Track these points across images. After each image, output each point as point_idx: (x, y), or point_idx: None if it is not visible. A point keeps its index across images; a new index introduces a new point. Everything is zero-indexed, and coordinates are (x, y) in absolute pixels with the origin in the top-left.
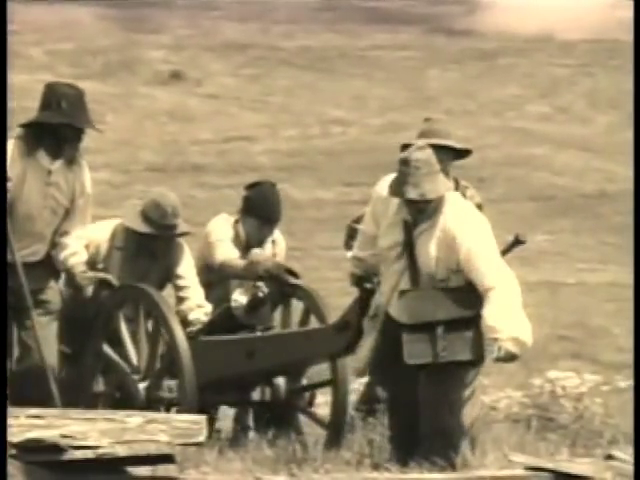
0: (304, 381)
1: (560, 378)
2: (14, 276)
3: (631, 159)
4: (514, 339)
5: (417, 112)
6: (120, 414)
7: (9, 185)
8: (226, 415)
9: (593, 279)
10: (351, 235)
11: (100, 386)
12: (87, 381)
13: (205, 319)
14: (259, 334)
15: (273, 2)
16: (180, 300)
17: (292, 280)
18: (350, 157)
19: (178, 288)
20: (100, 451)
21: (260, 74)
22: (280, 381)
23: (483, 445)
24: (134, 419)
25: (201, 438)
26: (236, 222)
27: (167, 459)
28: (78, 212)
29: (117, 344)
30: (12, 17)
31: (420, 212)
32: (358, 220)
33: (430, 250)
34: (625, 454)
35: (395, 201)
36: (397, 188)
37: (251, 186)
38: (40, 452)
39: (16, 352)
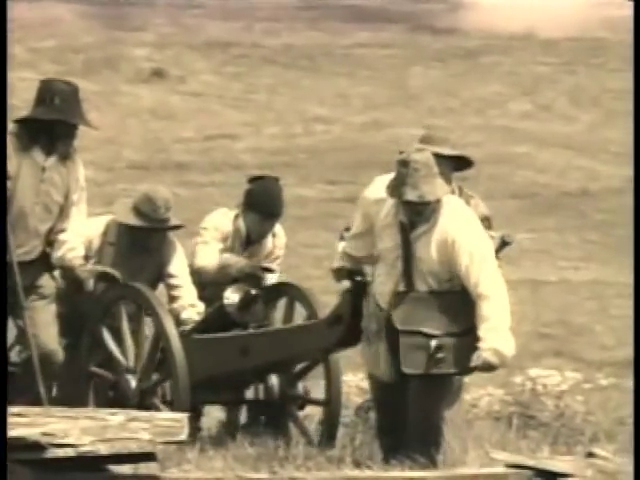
0: (299, 385)
1: (541, 376)
2: (10, 274)
3: (631, 159)
4: (495, 350)
5: (400, 110)
6: (102, 412)
7: (9, 183)
8: (207, 412)
9: (575, 277)
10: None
11: (91, 404)
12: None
13: (197, 318)
14: (252, 331)
15: (256, 0)
16: (172, 299)
17: (271, 277)
18: (333, 155)
19: (170, 287)
20: (81, 449)
21: (243, 72)
22: (274, 380)
23: (464, 443)
24: (116, 417)
25: (183, 436)
26: (236, 217)
27: (149, 457)
28: (73, 208)
29: (105, 352)
30: None
31: (417, 214)
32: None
33: (428, 253)
34: (606, 452)
35: (390, 203)
36: (395, 189)
37: (253, 180)
38: (21, 450)
39: (17, 345)
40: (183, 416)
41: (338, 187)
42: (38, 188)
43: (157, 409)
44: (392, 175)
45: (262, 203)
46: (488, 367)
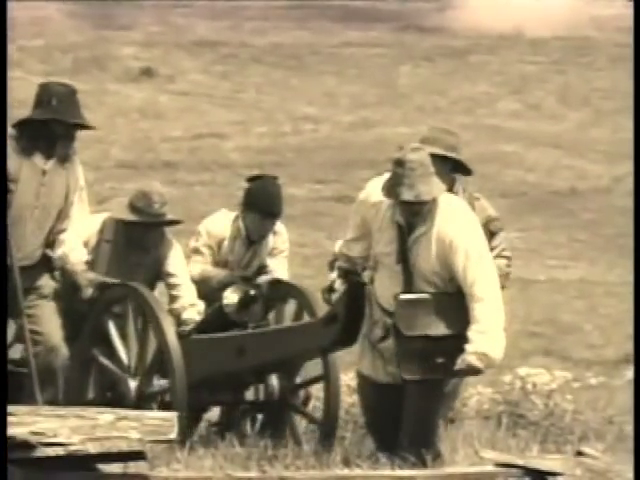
0: (298, 380)
1: (531, 375)
2: (10, 277)
3: (631, 160)
4: (481, 354)
5: (388, 109)
6: (91, 411)
7: (9, 186)
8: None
9: (564, 276)
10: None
11: (91, 394)
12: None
13: (198, 318)
14: (257, 330)
15: None
16: (173, 299)
17: (261, 282)
18: (321, 154)
19: (170, 286)
20: (71, 448)
21: (231, 71)
22: (274, 380)
23: (454, 442)
24: (105, 416)
25: (172, 435)
26: (236, 217)
27: (138, 456)
28: (73, 208)
29: (108, 343)
30: None
31: (414, 214)
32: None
33: (428, 254)
34: (595, 450)
35: (387, 205)
36: (391, 189)
37: (252, 179)
38: (10, 449)
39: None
40: (172, 415)
41: (326, 186)
42: (38, 191)
43: (156, 403)
44: (386, 176)
45: (261, 202)
46: (473, 371)
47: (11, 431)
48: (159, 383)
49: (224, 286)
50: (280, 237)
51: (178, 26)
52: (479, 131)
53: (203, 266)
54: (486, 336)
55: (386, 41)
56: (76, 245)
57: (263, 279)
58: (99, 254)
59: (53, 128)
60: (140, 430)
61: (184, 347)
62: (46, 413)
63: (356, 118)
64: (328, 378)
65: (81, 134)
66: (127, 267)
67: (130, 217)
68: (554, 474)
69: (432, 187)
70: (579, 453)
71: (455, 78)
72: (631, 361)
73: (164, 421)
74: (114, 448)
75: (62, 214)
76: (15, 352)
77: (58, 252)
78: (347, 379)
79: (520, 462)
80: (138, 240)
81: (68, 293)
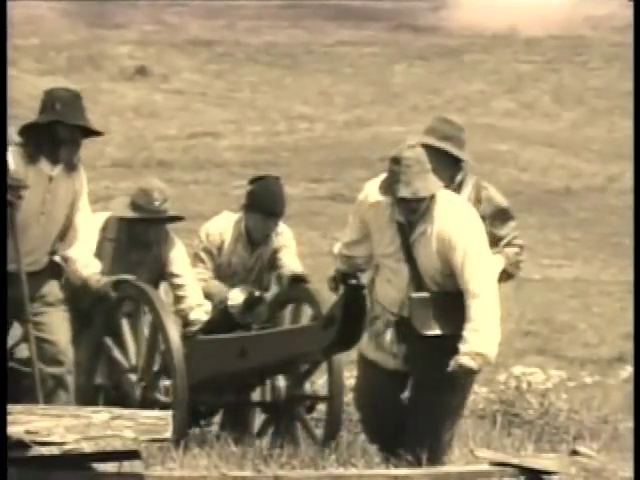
0: (307, 386)
1: (525, 374)
2: (16, 284)
3: (629, 161)
4: (475, 354)
5: (383, 108)
6: (86, 410)
7: (22, 193)
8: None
9: (558, 275)
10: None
11: (99, 379)
12: (85, 375)
13: (206, 318)
14: (250, 333)
15: None
16: (179, 299)
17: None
18: (316, 153)
19: (175, 287)
20: (65, 447)
21: (226, 70)
22: (281, 382)
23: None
24: (100, 415)
25: (167, 434)
26: (239, 220)
27: (133, 455)
28: (79, 215)
29: (116, 342)
30: None
31: (413, 212)
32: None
33: (431, 253)
34: (590, 449)
35: (386, 205)
36: (388, 187)
37: (254, 180)
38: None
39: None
40: (167, 414)
41: (321, 185)
42: (44, 198)
43: (159, 404)
44: (383, 177)
45: (263, 202)
46: (466, 371)
47: (6, 430)
48: (163, 383)
49: (220, 302)
50: (283, 236)
51: (173, 25)
52: (473, 130)
53: (204, 283)
54: (480, 334)
55: (380, 40)
56: (88, 261)
57: (284, 272)
58: (102, 253)
59: (57, 132)
60: (135, 429)
61: (189, 348)
62: (41, 412)
63: (351, 117)
64: (331, 375)
65: None
66: (129, 265)
67: (131, 214)
68: (549, 473)
69: (429, 183)
70: (574, 452)
71: (449, 77)
72: (625, 360)
73: (159, 420)
74: (109, 447)
75: (68, 221)
76: (22, 351)
77: (72, 269)
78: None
79: (515, 461)
80: (140, 238)
81: (75, 295)
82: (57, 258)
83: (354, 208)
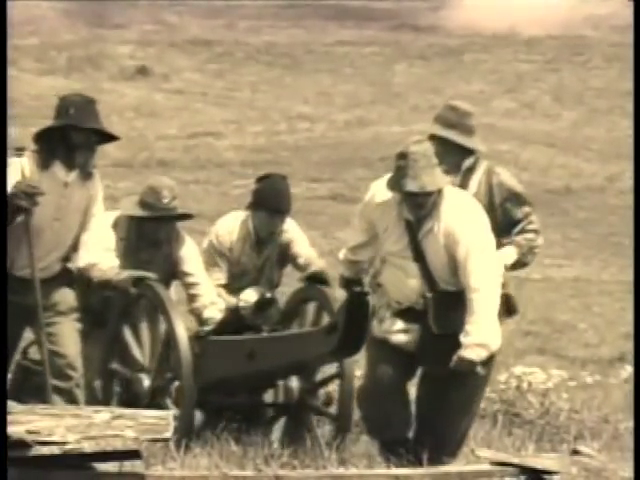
0: (317, 378)
1: (526, 373)
2: (31, 292)
3: (629, 161)
4: (476, 345)
5: (383, 108)
6: (87, 410)
7: (37, 200)
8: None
9: (559, 275)
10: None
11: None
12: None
13: (220, 316)
14: (264, 335)
15: None
16: (192, 298)
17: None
18: (316, 153)
19: (188, 285)
20: (66, 447)
21: (226, 70)
22: (293, 383)
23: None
24: (100, 415)
25: (168, 434)
26: (246, 219)
27: (134, 455)
28: (94, 220)
29: (126, 341)
30: None
31: (420, 207)
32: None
33: (439, 249)
34: (590, 449)
35: (393, 204)
36: (395, 182)
37: (261, 179)
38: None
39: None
40: (168, 414)
41: (321, 184)
42: (59, 204)
43: (167, 408)
44: (388, 177)
45: (269, 200)
46: (468, 364)
47: (7, 430)
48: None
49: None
50: (290, 231)
51: (173, 25)
52: None
53: (222, 290)
54: (479, 326)
55: (381, 40)
56: (112, 263)
57: (302, 263)
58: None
59: (72, 137)
60: (136, 429)
61: (201, 348)
62: (42, 412)
63: (351, 117)
64: (343, 376)
65: None
66: (139, 264)
67: (140, 212)
68: (550, 473)
69: (436, 178)
70: (575, 452)
71: (450, 77)
72: (626, 360)
73: (160, 420)
74: (110, 447)
75: (81, 227)
76: (36, 352)
77: (94, 274)
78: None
79: (516, 461)
80: (150, 236)
81: (87, 297)
82: (70, 265)
83: (359, 210)
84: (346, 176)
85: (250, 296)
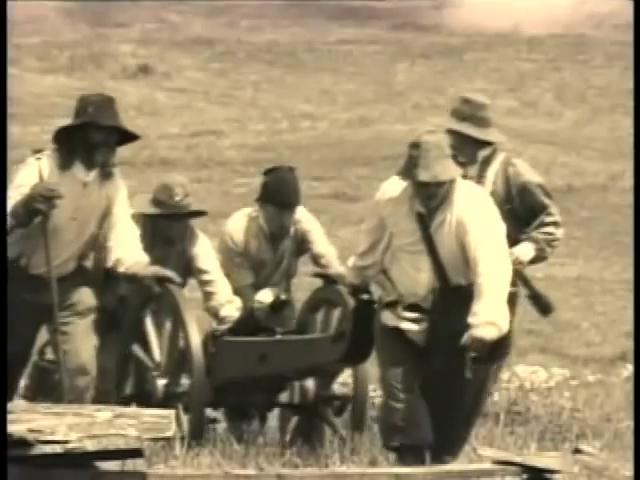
0: (334, 386)
1: (528, 372)
2: (47, 292)
3: (631, 160)
4: (485, 323)
5: (385, 107)
6: (89, 408)
7: (55, 202)
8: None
9: (561, 273)
10: None
11: (128, 389)
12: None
13: (237, 315)
14: (277, 337)
15: None
16: (208, 296)
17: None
18: (318, 151)
19: (203, 283)
20: (68, 446)
21: (228, 68)
22: (309, 384)
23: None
24: (103, 413)
25: (170, 433)
26: (255, 213)
27: (136, 453)
28: (122, 219)
29: (142, 340)
30: None
31: (432, 198)
32: None
33: (451, 242)
34: (592, 448)
35: (405, 197)
36: (408, 171)
37: (268, 172)
38: (8, 447)
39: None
40: (170, 412)
41: (324, 183)
42: (78, 203)
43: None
44: (396, 178)
45: (277, 193)
46: (481, 343)
47: (9, 428)
48: (186, 383)
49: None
50: (303, 222)
51: (175, 23)
52: None
53: (249, 290)
54: (488, 306)
55: (383, 39)
56: (140, 258)
57: (331, 271)
58: None
59: (91, 136)
60: (138, 427)
61: (216, 347)
62: (44, 411)
63: (353, 116)
64: (356, 374)
65: None
66: (153, 262)
67: (153, 210)
68: (552, 471)
69: (448, 168)
70: (577, 450)
71: (452, 76)
72: (628, 359)
73: (162, 418)
74: (112, 445)
75: (98, 227)
76: (51, 352)
77: (121, 269)
78: (346, 375)
79: (518, 459)
80: (163, 234)
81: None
82: (86, 263)
83: (370, 210)
84: (348, 175)
85: (265, 297)
